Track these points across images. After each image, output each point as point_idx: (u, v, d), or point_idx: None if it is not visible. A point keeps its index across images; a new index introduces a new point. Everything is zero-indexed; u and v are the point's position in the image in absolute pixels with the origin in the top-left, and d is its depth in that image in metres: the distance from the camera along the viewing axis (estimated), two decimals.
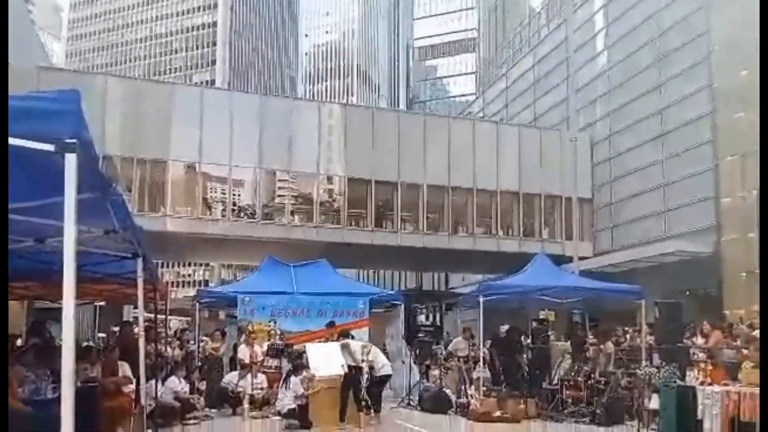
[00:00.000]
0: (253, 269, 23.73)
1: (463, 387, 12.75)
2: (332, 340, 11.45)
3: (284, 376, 10.99)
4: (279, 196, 27.60)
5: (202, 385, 12.17)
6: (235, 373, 12.16)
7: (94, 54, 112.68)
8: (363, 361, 10.54)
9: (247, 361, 12.30)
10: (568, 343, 14.01)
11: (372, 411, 10.98)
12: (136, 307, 9.42)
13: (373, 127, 27.96)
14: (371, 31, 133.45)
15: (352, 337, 11.11)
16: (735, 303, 19.64)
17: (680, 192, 24.55)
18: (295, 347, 12.45)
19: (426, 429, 10.65)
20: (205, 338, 14.52)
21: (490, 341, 14.44)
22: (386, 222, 28.22)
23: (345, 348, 10.49)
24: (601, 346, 13.10)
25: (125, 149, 24.70)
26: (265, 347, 12.68)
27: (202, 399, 11.51)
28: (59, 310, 3.06)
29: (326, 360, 10.63)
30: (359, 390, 10.29)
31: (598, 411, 11.02)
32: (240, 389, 11.70)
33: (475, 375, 12.60)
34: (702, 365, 9.24)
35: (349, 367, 10.24)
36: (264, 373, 12.10)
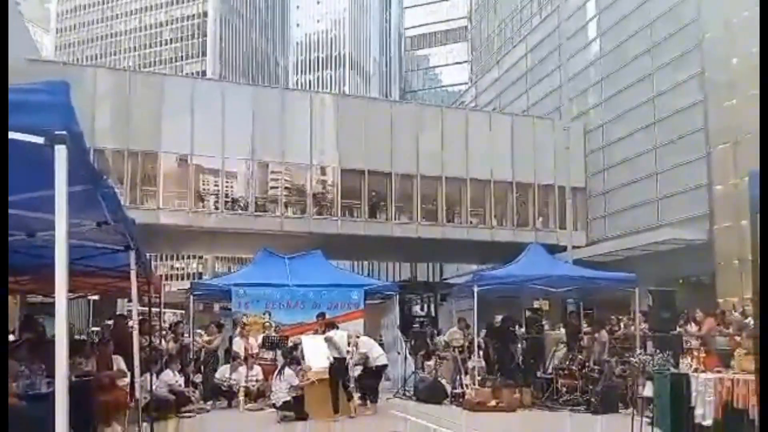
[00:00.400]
0: (246, 261, 23.74)
1: (458, 377, 12.80)
2: (322, 332, 11.43)
3: (279, 368, 10.99)
4: (272, 187, 27.50)
5: (197, 378, 12.16)
6: (226, 367, 12.11)
7: (84, 46, 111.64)
8: (348, 351, 10.52)
9: (242, 353, 12.29)
10: (562, 331, 14.07)
11: (367, 401, 11.01)
12: (129, 301, 9.37)
13: (366, 117, 27.86)
14: (362, 20, 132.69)
15: (337, 328, 11.02)
16: (728, 290, 19.76)
17: (673, 180, 24.62)
18: (289, 339, 12.45)
19: (422, 419, 10.68)
20: (199, 331, 14.50)
21: (484, 331, 14.48)
22: (380, 213, 28.19)
23: (329, 340, 10.48)
24: (596, 335, 13.16)
25: (116, 141, 24.52)
26: (260, 339, 12.67)
27: (197, 392, 11.49)
28: (52, 304, 3.03)
29: (320, 352, 10.64)
30: (346, 380, 10.26)
31: (592, 399, 11.09)
32: (233, 382, 11.70)
33: (470, 365, 12.63)
34: (695, 353, 9.30)
35: (334, 358, 10.21)
36: (260, 365, 12.09)
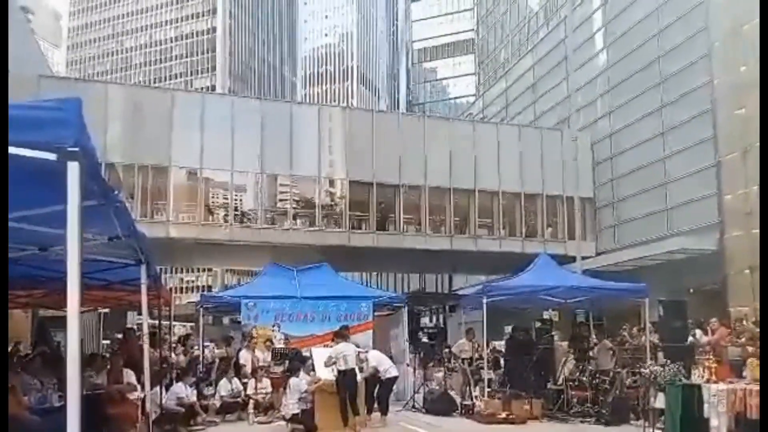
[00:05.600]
0: (256, 274, 23.78)
1: (467, 388, 12.74)
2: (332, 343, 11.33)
3: (286, 380, 10.96)
4: (281, 200, 27.62)
5: (208, 391, 12.14)
6: (225, 381, 11.91)
7: (95, 62, 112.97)
8: (358, 364, 10.38)
9: (248, 366, 12.29)
10: (567, 342, 13.98)
11: (381, 414, 10.94)
12: (140, 314, 9.43)
13: (374, 129, 27.98)
14: (370, 34, 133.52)
15: (347, 340, 10.84)
16: (739, 300, 19.58)
17: (682, 189, 24.50)
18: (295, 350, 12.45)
19: (432, 431, 10.63)
20: (210, 344, 14.55)
21: (502, 342, 14.38)
22: (388, 224, 28.22)
23: (336, 352, 10.25)
24: (599, 343, 13.11)
25: (127, 156, 24.75)
26: (268, 353, 12.68)
27: (209, 404, 11.46)
28: (64, 317, 3.06)
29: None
30: (354, 394, 10.09)
31: (603, 410, 11.01)
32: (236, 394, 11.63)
33: (483, 376, 12.58)
34: (707, 363, 9.22)
35: (340, 371, 10.05)
36: (270, 378, 12.07)
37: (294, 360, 11.73)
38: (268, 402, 11.67)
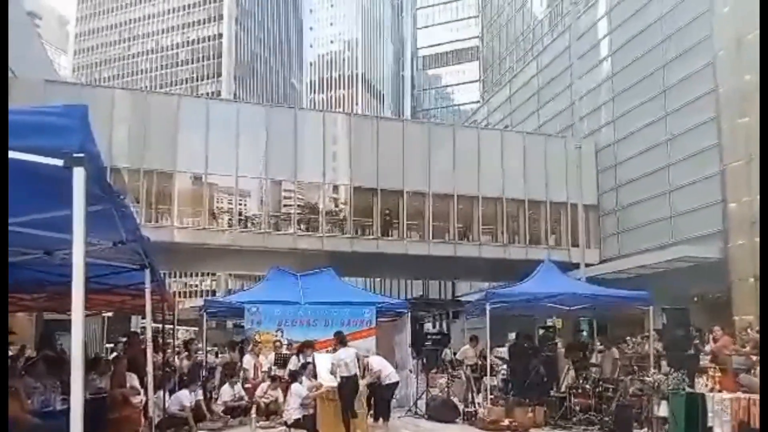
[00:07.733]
0: (259, 279, 23.81)
1: (470, 395, 12.71)
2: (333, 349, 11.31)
3: (287, 385, 10.95)
4: (285, 205, 27.67)
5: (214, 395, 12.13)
6: (227, 387, 11.91)
7: (101, 67, 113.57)
8: (360, 369, 10.36)
9: (251, 370, 12.28)
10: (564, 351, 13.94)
11: (379, 419, 10.92)
12: (143, 318, 9.45)
13: (378, 135, 28.04)
14: (375, 41, 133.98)
15: (346, 345, 10.84)
16: (744, 309, 19.51)
17: (687, 197, 24.45)
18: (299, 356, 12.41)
19: None
20: (213, 348, 14.56)
21: (504, 349, 14.34)
22: (392, 230, 28.23)
23: (338, 359, 10.24)
24: (606, 351, 13.07)
25: (132, 161, 24.87)
26: (271, 357, 12.68)
27: (212, 409, 11.44)
28: (69, 321, 3.07)
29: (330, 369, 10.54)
30: (353, 399, 10.06)
31: (606, 419, 10.96)
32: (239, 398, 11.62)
33: (486, 382, 12.55)
34: (710, 372, 9.20)
35: (343, 377, 10.01)
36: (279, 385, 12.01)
37: (301, 364, 11.69)
38: (273, 407, 11.63)
